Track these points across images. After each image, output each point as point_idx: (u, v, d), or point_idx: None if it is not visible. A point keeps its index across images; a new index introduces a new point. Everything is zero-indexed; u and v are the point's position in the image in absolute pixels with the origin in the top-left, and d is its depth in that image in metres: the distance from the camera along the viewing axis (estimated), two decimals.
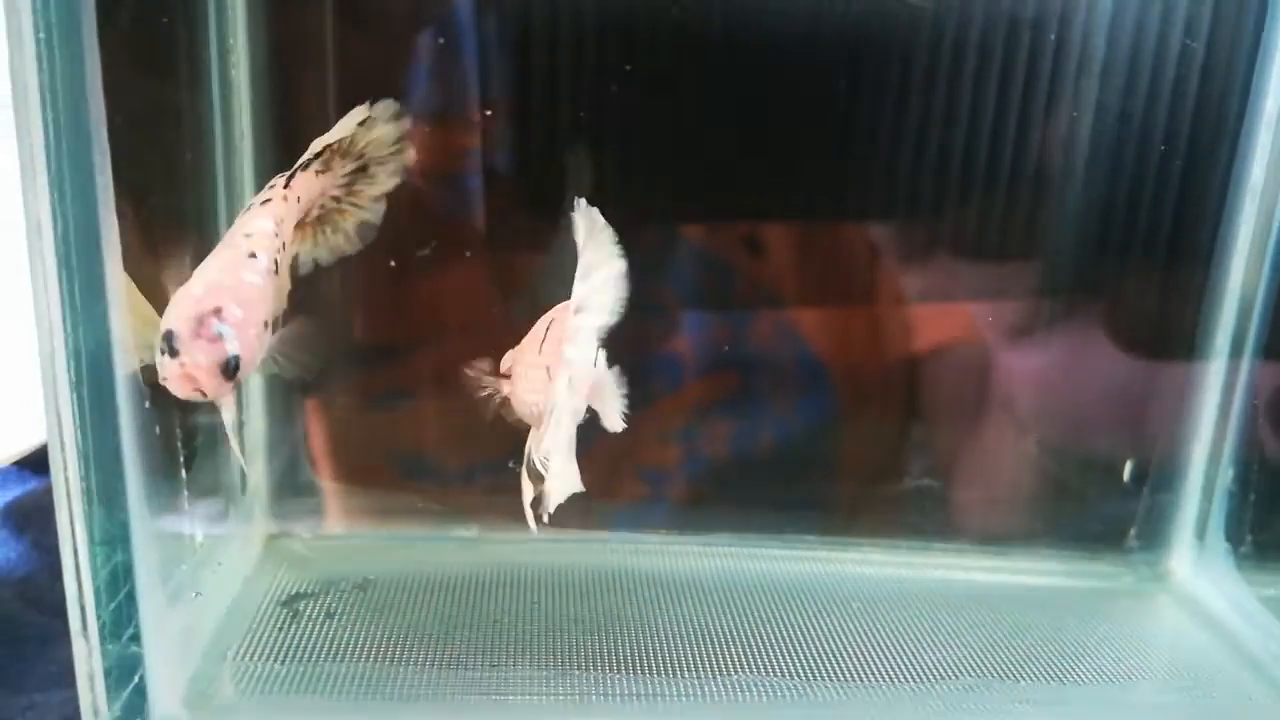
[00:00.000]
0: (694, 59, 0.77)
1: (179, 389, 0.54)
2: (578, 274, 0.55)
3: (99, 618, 0.57)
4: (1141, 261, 0.83)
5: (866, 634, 0.75)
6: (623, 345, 0.59)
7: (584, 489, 0.57)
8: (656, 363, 0.85)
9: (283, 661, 0.68)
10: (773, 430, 0.87)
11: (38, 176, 0.50)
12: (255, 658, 0.68)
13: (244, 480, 0.80)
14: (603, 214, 0.57)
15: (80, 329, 0.53)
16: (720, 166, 0.81)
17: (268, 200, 0.60)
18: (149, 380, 0.56)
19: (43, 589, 0.80)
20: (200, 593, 0.70)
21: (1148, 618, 0.83)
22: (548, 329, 0.57)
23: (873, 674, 0.70)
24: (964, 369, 0.87)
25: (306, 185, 0.62)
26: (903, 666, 0.71)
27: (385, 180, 0.67)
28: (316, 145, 0.63)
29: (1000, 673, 0.71)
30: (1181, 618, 0.83)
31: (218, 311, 0.54)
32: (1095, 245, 0.82)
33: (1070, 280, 0.84)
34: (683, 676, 0.69)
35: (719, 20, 0.77)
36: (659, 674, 0.69)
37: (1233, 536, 0.84)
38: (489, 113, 0.78)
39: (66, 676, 0.58)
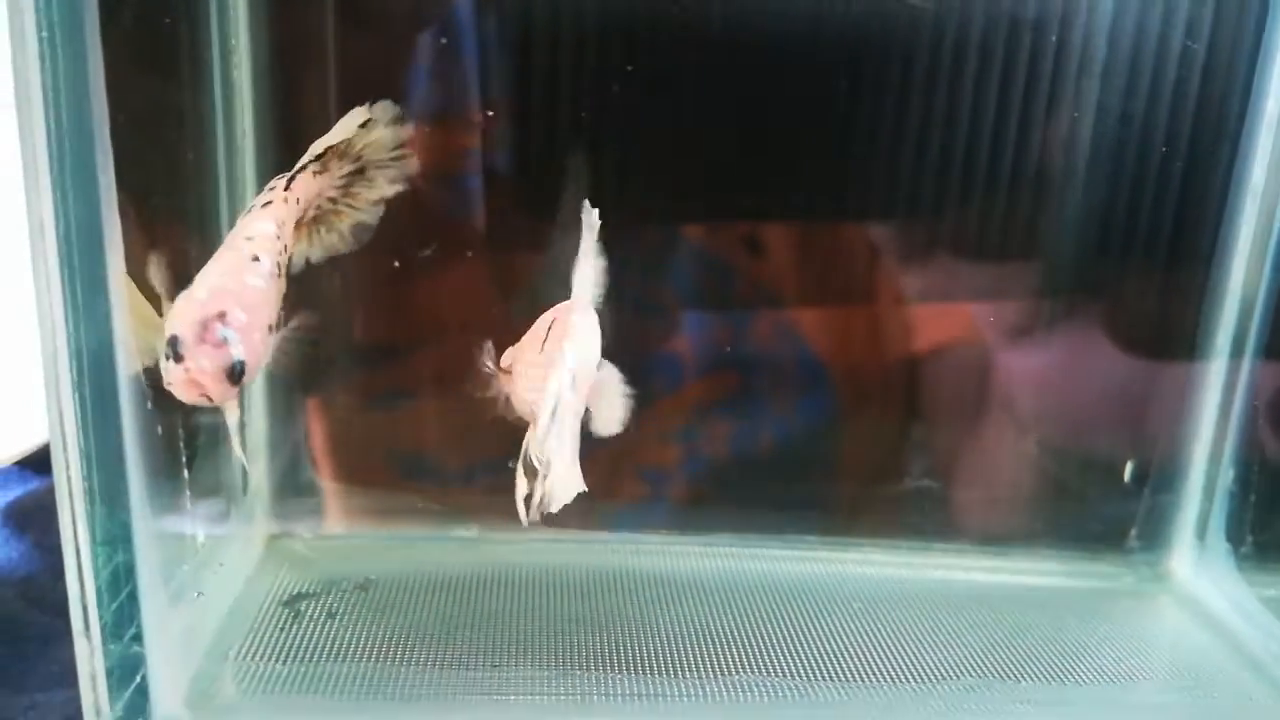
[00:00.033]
0: (695, 59, 0.77)
1: (184, 394, 0.53)
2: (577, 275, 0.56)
3: (101, 617, 0.57)
4: (1142, 262, 0.83)
5: (867, 634, 0.75)
6: (623, 345, 0.59)
7: (586, 489, 0.57)
8: (656, 363, 0.85)
9: (284, 661, 0.68)
10: (773, 430, 0.88)
11: (40, 176, 0.50)
12: (257, 658, 0.68)
13: (245, 480, 0.80)
14: (603, 214, 0.58)
15: (82, 328, 0.53)
16: (721, 166, 0.81)
17: (268, 203, 0.60)
18: (151, 381, 0.56)
19: (44, 589, 0.80)
20: (202, 593, 0.70)
21: (1148, 618, 0.83)
22: (549, 328, 0.57)
23: (874, 674, 0.70)
24: (965, 369, 0.87)
25: (305, 186, 0.62)
26: (904, 667, 0.71)
27: (385, 186, 0.67)
28: (317, 147, 0.63)
29: (1001, 673, 0.71)
30: (1182, 618, 0.83)
31: (222, 316, 0.53)
32: (1096, 246, 0.82)
33: (1071, 281, 0.84)
34: (684, 677, 0.69)
35: (719, 20, 0.77)
36: (660, 674, 0.69)
37: (1233, 537, 0.84)
38: (490, 113, 0.78)
39: (68, 676, 0.58)
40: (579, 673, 0.68)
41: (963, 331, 0.86)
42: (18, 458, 0.96)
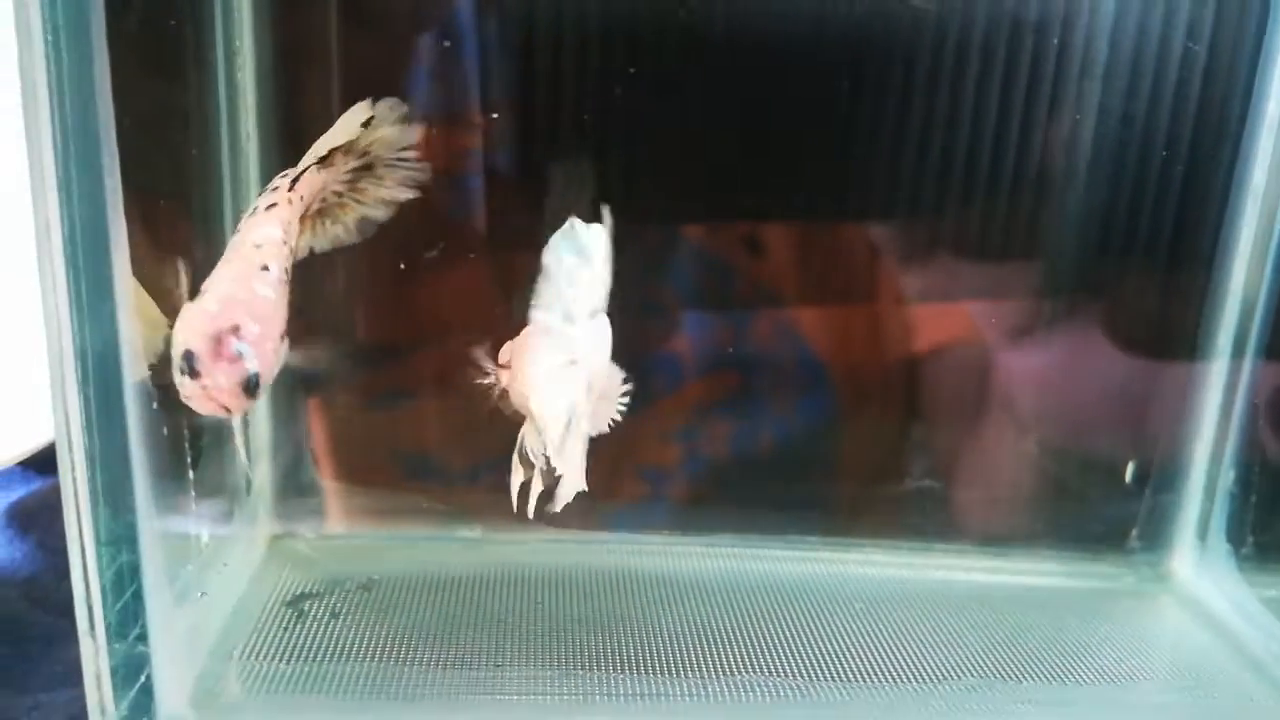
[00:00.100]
0: (698, 61, 0.77)
1: (202, 408, 0.54)
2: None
3: (106, 617, 0.57)
4: (1143, 262, 0.83)
5: (868, 635, 0.75)
6: (623, 345, 0.59)
7: (587, 489, 0.57)
8: (656, 363, 0.85)
9: (288, 661, 0.68)
10: (773, 430, 0.88)
11: (46, 177, 0.51)
12: (261, 657, 0.68)
13: (249, 481, 0.80)
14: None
15: (88, 329, 0.53)
16: (722, 167, 0.81)
17: (273, 205, 0.59)
18: (156, 381, 0.56)
19: (48, 589, 0.80)
20: (206, 592, 0.70)
21: (1149, 618, 0.83)
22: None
23: (875, 674, 0.70)
24: (965, 369, 0.87)
25: (308, 184, 0.62)
26: (905, 667, 0.71)
27: (395, 187, 0.67)
28: (321, 146, 0.63)
29: (1002, 673, 0.71)
30: (1183, 618, 0.83)
31: (235, 330, 0.53)
32: (1097, 246, 0.82)
33: (1072, 281, 0.84)
34: (686, 677, 0.69)
35: (723, 21, 0.77)
36: (662, 674, 0.69)
37: (1234, 537, 0.84)
38: (494, 115, 0.78)
39: (72, 676, 0.58)
40: (582, 673, 0.68)
41: (964, 332, 0.86)
42: (20, 458, 0.96)
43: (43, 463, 0.96)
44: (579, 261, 0.58)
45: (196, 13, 0.70)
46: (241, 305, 0.54)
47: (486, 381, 0.59)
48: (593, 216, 0.60)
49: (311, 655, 0.69)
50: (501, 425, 0.60)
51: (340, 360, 0.67)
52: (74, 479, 0.54)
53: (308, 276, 0.66)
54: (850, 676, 0.70)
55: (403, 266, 0.78)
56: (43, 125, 0.50)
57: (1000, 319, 0.86)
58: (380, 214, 0.67)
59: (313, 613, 0.73)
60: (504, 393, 0.59)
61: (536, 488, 0.60)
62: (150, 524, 0.58)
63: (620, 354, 0.60)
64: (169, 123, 0.68)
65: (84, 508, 0.55)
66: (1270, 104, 0.79)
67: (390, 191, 0.67)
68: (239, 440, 0.62)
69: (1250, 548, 0.83)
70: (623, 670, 0.69)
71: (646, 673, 0.69)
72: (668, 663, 0.70)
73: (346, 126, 0.64)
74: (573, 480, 0.56)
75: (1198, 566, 0.86)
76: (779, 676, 0.69)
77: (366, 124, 0.65)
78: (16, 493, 0.93)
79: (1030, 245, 0.83)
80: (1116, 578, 0.87)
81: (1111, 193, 0.81)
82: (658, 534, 0.88)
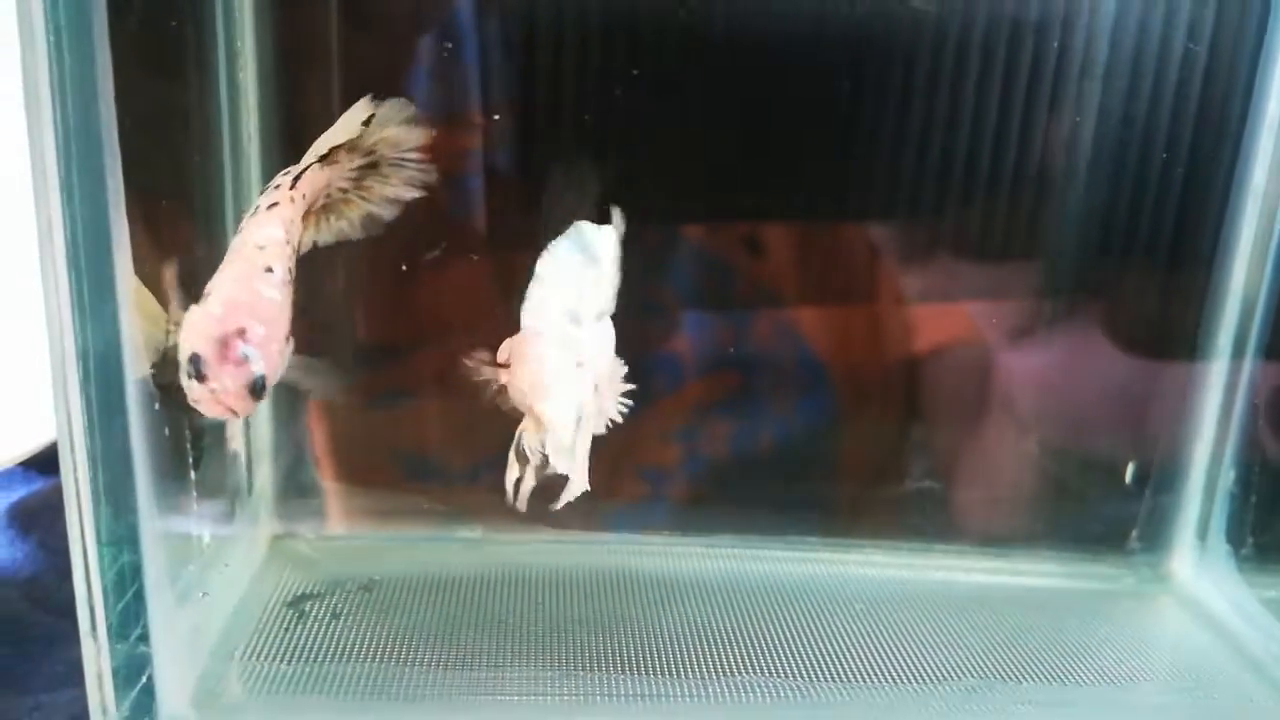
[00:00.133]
0: (699, 61, 0.77)
1: (209, 411, 0.54)
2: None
3: (107, 617, 0.57)
4: (1144, 262, 0.83)
5: (869, 635, 0.75)
6: (623, 345, 0.60)
7: (589, 488, 0.58)
8: (657, 363, 0.85)
9: (289, 661, 0.68)
10: (773, 430, 0.88)
11: (49, 177, 0.51)
12: (262, 658, 0.68)
13: (250, 481, 0.80)
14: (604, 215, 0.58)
15: (90, 330, 0.53)
16: (723, 167, 0.81)
17: (275, 204, 0.59)
18: (157, 381, 0.56)
19: (49, 589, 0.80)
20: (207, 593, 0.70)
21: (1149, 619, 0.83)
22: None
23: (875, 675, 0.70)
24: (965, 369, 0.87)
25: (310, 182, 0.62)
26: (905, 668, 0.71)
27: (403, 187, 0.67)
28: (322, 145, 0.63)
29: (1002, 674, 0.71)
30: (1183, 619, 0.83)
31: (241, 333, 0.54)
32: (1098, 246, 0.82)
33: (1073, 281, 0.84)
34: (686, 677, 0.69)
35: (723, 21, 0.77)
36: (663, 675, 0.69)
37: (1234, 538, 0.84)
38: (495, 116, 0.78)
39: (73, 676, 0.58)
40: (582, 673, 0.68)
41: (964, 332, 0.86)
42: (21, 458, 0.96)
43: (44, 463, 0.96)
44: (586, 263, 0.58)
45: (198, 13, 0.70)
46: (246, 308, 0.55)
47: (484, 378, 0.59)
48: (600, 218, 0.60)
49: (312, 656, 0.69)
50: (501, 425, 0.60)
51: (337, 375, 0.66)
52: (76, 479, 0.55)
53: (309, 276, 0.66)
54: (850, 677, 0.70)
55: (404, 267, 0.79)
56: (45, 126, 0.50)
57: (1000, 319, 0.86)
58: (386, 213, 0.67)
59: (314, 613, 0.74)
60: (501, 389, 0.59)
61: (529, 483, 0.60)
62: (152, 524, 0.58)
63: (621, 354, 0.60)
64: (171, 123, 0.68)
65: (86, 508, 0.55)
66: (1270, 104, 0.79)
67: (395, 190, 0.67)
68: (240, 440, 0.62)
69: (1250, 548, 0.83)
70: (623, 671, 0.69)
71: (647, 673, 0.69)
72: (668, 663, 0.70)
73: (347, 125, 0.64)
74: (578, 481, 0.56)
75: (1198, 567, 0.86)
76: (779, 677, 0.69)
77: (367, 122, 0.65)
78: (18, 493, 0.93)
79: (1030, 245, 0.83)
80: (1116, 578, 0.87)
81: (1112, 193, 0.81)
82: (658, 534, 0.88)
